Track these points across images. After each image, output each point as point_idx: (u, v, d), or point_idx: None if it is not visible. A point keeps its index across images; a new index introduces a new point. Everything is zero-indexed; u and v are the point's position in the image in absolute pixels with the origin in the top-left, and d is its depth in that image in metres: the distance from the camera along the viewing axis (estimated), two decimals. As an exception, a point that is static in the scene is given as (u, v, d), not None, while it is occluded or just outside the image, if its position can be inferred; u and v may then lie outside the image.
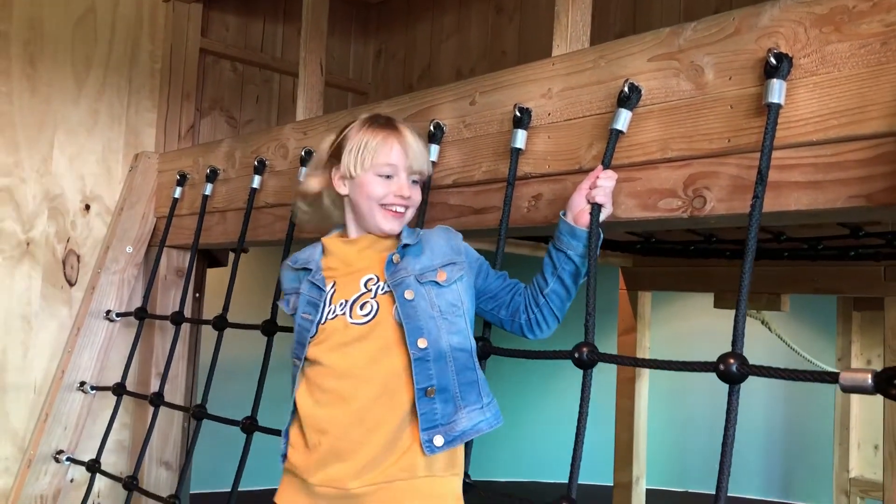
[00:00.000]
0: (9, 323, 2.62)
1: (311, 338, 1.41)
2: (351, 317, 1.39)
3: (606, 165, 1.41)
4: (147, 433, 2.43)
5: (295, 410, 1.42)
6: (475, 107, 1.71)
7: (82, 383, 2.66)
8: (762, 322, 4.06)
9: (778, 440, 6.26)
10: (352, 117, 2.06)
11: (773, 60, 1.20)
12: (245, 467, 1.99)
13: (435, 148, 1.75)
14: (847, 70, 1.16)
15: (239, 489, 1.98)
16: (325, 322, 1.40)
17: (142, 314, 2.65)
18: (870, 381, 0.97)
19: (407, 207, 1.46)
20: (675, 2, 2.72)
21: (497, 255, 1.55)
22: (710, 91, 1.32)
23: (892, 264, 3.07)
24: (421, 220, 1.72)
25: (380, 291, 1.40)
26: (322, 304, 1.41)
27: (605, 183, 1.37)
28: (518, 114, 1.58)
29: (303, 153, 2.15)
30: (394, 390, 1.35)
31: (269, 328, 2.04)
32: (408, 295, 1.37)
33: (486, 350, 1.49)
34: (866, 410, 4.30)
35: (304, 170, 2.05)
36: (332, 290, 1.42)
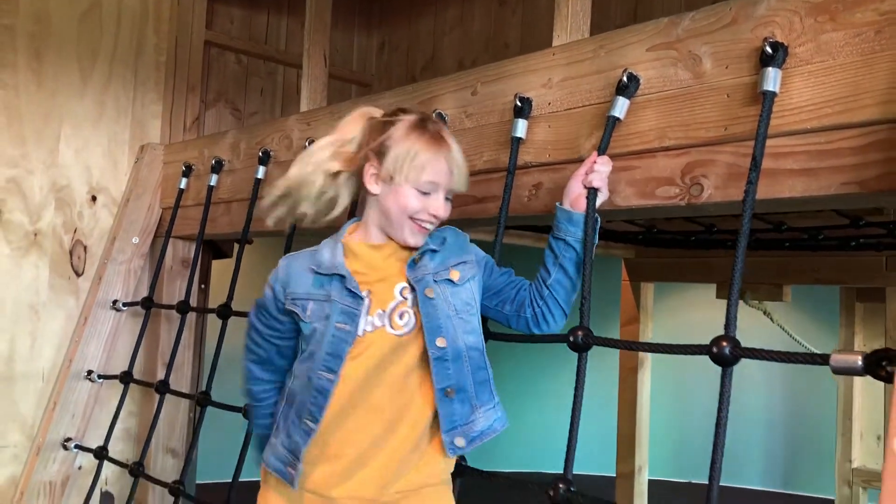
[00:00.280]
0: (17, 313, 2.66)
1: (348, 349, 1.34)
2: (392, 327, 1.35)
3: (602, 152, 1.43)
4: (153, 420, 2.47)
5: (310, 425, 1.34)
6: (477, 97, 1.73)
7: (89, 372, 2.69)
8: (764, 312, 4.07)
9: (780, 430, 6.29)
10: (355, 107, 2.09)
11: (768, 49, 1.22)
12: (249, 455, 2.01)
13: (437, 138, 1.77)
14: (841, 58, 1.17)
15: (245, 479, 2.00)
16: (363, 335, 1.34)
17: (148, 304, 2.68)
18: (860, 362, 0.99)
19: (434, 224, 1.42)
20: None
21: (496, 243, 1.57)
22: (708, 80, 1.33)
23: (893, 254, 3.08)
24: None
25: (414, 301, 1.37)
26: (360, 314, 1.34)
27: (601, 168, 1.40)
28: (519, 103, 1.60)
29: (306, 143, 2.17)
30: (417, 394, 1.35)
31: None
32: (428, 293, 1.35)
33: (484, 335, 1.51)
34: (869, 400, 4.31)
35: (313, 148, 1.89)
36: (369, 298, 1.36)
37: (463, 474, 1.47)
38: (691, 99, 1.35)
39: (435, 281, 1.37)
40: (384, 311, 1.35)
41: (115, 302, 2.75)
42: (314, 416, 1.33)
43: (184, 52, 3.01)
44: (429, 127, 1.40)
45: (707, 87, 1.33)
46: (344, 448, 1.33)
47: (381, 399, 1.33)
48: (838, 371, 1.02)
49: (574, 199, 1.41)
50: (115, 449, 2.71)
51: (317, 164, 1.43)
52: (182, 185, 2.73)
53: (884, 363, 0.94)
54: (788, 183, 1.23)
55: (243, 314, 2.25)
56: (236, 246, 2.52)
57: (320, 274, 1.39)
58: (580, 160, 1.51)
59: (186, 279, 2.66)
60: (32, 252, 2.69)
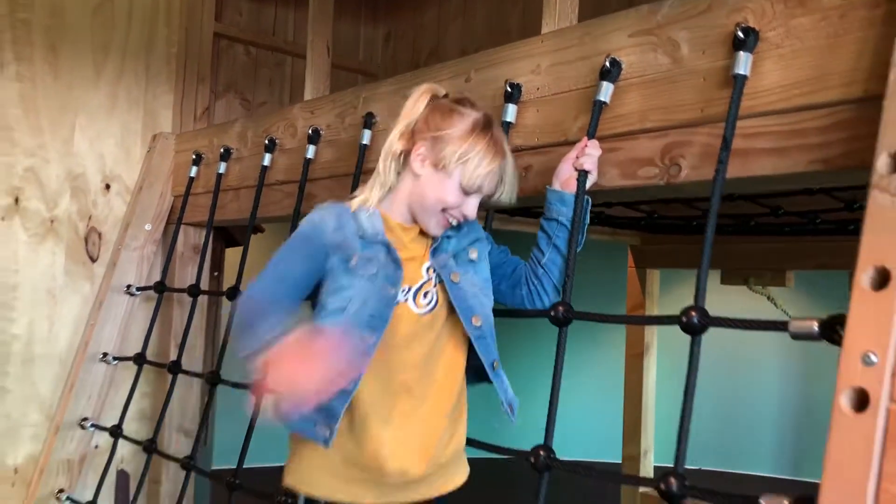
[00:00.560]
0: (35, 297, 2.75)
1: (391, 313, 1.35)
2: (415, 305, 1.38)
3: (591, 136, 1.49)
4: (165, 399, 2.56)
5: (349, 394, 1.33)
6: (470, 83, 1.79)
7: (105, 354, 2.79)
8: (768, 298, 4.11)
9: (791, 417, 6.31)
10: (356, 96, 2.16)
11: (740, 34, 1.27)
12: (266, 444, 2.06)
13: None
14: (809, 42, 1.23)
15: (261, 465, 2.07)
16: (397, 304, 1.37)
17: (161, 288, 2.77)
18: (816, 327, 1.05)
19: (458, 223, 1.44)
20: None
21: (487, 225, 1.64)
22: (685, 64, 1.39)
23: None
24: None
25: (437, 280, 1.41)
26: (398, 285, 1.36)
27: (592, 151, 1.46)
28: (509, 89, 1.66)
29: (310, 132, 2.25)
30: (449, 376, 1.41)
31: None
32: (454, 278, 1.40)
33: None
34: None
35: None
36: (403, 272, 1.37)
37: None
38: (670, 82, 1.41)
39: (457, 263, 1.42)
40: (410, 287, 1.39)
41: (128, 287, 2.85)
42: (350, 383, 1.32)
43: (194, 44, 3.09)
44: (494, 132, 1.40)
45: (685, 71, 1.39)
46: (385, 428, 1.35)
47: (413, 381, 1.37)
48: (796, 336, 1.08)
49: (565, 181, 1.47)
50: (130, 429, 2.80)
51: (387, 147, 1.43)
52: (192, 174, 2.82)
53: (837, 327, 1.00)
54: (760, 162, 1.29)
55: (251, 296, 2.35)
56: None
57: (363, 238, 1.39)
58: (567, 143, 1.58)
59: (197, 264, 2.74)
60: (49, 239, 2.79)
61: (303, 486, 1.40)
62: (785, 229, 3.23)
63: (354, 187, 2.05)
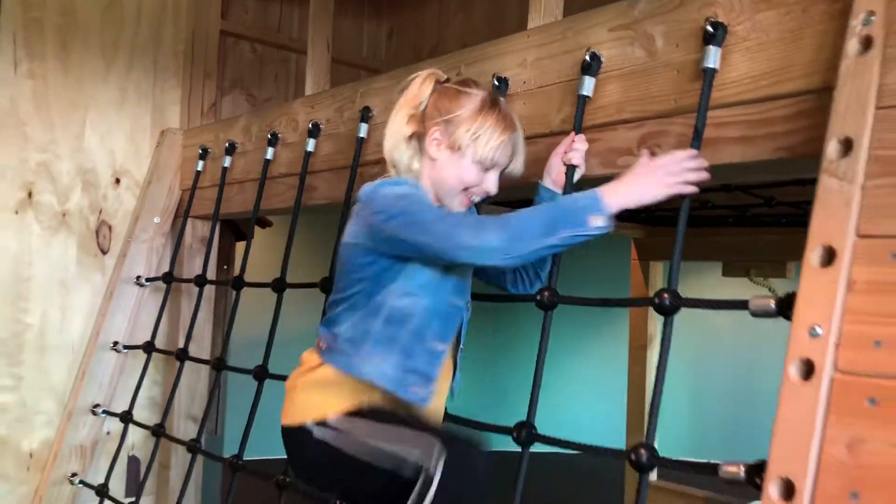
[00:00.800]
0: (48, 288, 2.85)
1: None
2: None
3: (577, 130, 1.56)
4: (173, 385, 2.65)
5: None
6: (460, 78, 1.85)
7: (115, 343, 2.88)
8: (769, 290, 4.15)
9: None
10: (353, 91, 2.23)
11: (709, 28, 1.34)
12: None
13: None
14: (774, 35, 1.29)
15: (271, 457, 2.12)
16: None
17: (169, 279, 2.85)
18: (772, 305, 1.12)
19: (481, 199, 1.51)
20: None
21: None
22: (660, 57, 1.46)
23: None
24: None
25: None
26: None
27: (580, 146, 1.53)
28: (496, 83, 1.73)
29: (310, 126, 2.32)
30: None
31: (280, 285, 2.23)
32: None
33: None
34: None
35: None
36: None
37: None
38: (646, 75, 1.47)
39: None
40: None
41: (138, 278, 2.93)
42: (444, 338, 1.45)
43: (201, 42, 3.17)
44: (502, 107, 1.47)
45: (660, 63, 1.45)
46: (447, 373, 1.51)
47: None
48: (756, 314, 1.14)
49: (556, 177, 1.55)
50: (141, 415, 2.89)
51: (396, 133, 1.48)
52: (199, 168, 2.90)
53: (791, 304, 1.06)
54: (729, 150, 1.35)
55: (255, 285, 2.43)
56: (258, 229, 2.68)
57: None
58: (552, 134, 1.64)
59: (204, 255, 2.82)
60: (61, 231, 2.88)
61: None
62: (782, 220, 3.28)
63: (352, 179, 2.12)
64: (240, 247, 3.55)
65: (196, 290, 2.72)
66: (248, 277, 2.46)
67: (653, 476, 4.36)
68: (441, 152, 1.45)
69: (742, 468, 1.10)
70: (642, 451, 1.25)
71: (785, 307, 1.10)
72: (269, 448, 2.51)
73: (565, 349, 6.67)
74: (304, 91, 2.57)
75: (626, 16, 1.52)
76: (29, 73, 2.81)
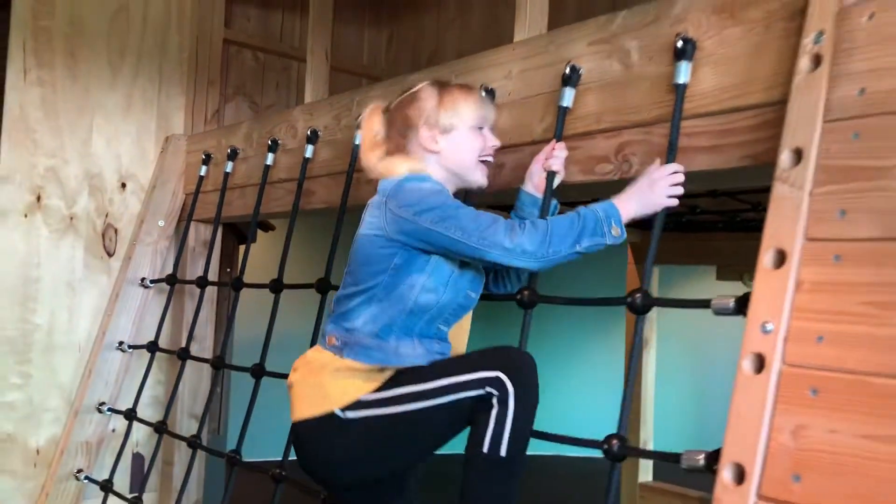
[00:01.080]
0: (56, 289, 2.94)
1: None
2: None
3: (558, 138, 1.64)
4: (175, 382, 2.74)
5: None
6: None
7: (120, 343, 2.96)
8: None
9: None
10: (350, 99, 2.32)
11: (680, 44, 1.42)
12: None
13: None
14: (739, 50, 1.37)
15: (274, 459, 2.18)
16: None
17: (172, 280, 2.94)
18: (732, 304, 1.20)
19: (492, 158, 1.61)
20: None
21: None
22: (636, 70, 1.54)
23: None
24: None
25: None
26: None
27: (560, 153, 1.62)
28: (484, 93, 1.81)
29: (309, 133, 2.41)
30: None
31: (277, 286, 2.32)
32: None
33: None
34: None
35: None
36: None
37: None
38: (622, 87, 1.55)
39: None
40: None
41: (143, 279, 3.02)
42: (448, 321, 1.54)
43: (204, 50, 3.26)
44: (450, 81, 1.61)
45: (635, 76, 1.54)
46: None
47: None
48: (717, 312, 1.22)
49: (538, 182, 1.63)
50: (144, 414, 2.97)
51: (367, 163, 1.61)
52: (202, 173, 2.99)
53: (747, 303, 1.14)
54: (699, 158, 1.43)
55: (254, 286, 2.51)
56: (261, 232, 2.77)
57: None
58: (534, 142, 1.73)
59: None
60: (69, 234, 2.97)
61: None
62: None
63: (348, 184, 2.21)
64: (243, 249, 3.63)
65: (198, 291, 2.81)
66: (250, 279, 2.55)
67: (648, 476, 4.44)
68: (441, 142, 1.54)
69: (702, 456, 1.17)
70: (615, 441, 1.33)
71: (742, 306, 1.17)
72: (272, 450, 2.59)
73: (568, 350, 6.76)
74: (304, 98, 2.65)
75: (605, 30, 1.60)
76: (38, 80, 2.90)
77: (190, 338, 2.75)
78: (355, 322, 1.49)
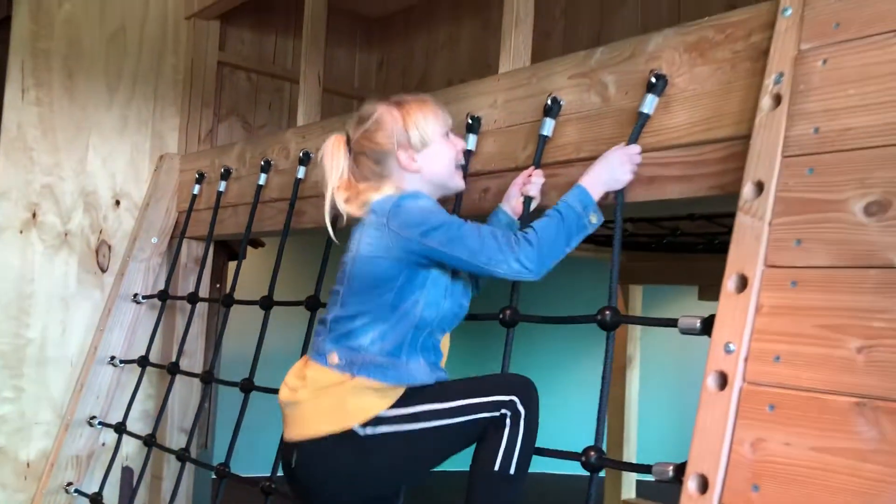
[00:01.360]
0: (49, 304, 2.99)
1: None
2: None
3: (537, 165, 1.73)
4: (165, 396, 2.79)
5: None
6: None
7: (112, 357, 3.01)
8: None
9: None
10: (341, 123, 2.40)
11: (652, 79, 1.51)
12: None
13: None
14: (708, 87, 1.46)
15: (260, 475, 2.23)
16: None
17: (164, 296, 3.00)
18: (698, 324, 1.28)
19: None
20: (634, 19, 3.03)
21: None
22: (613, 103, 1.63)
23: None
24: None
25: None
26: None
27: (537, 180, 1.70)
28: (470, 121, 1.90)
29: (301, 154, 2.48)
30: None
31: (267, 303, 2.39)
32: None
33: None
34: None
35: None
36: None
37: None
38: (600, 118, 1.64)
39: None
40: None
41: (135, 295, 3.08)
42: (444, 330, 1.59)
43: (199, 71, 3.34)
44: (404, 96, 1.64)
45: (612, 108, 1.63)
46: None
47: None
48: (684, 331, 1.31)
49: (515, 205, 1.72)
50: (134, 428, 3.02)
51: (340, 201, 1.59)
52: (196, 191, 3.06)
53: (712, 324, 1.22)
54: (670, 187, 1.52)
55: (244, 302, 2.58)
56: (251, 249, 2.83)
57: None
58: (517, 168, 1.81)
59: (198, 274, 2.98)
60: (63, 250, 3.03)
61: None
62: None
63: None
64: (232, 266, 3.70)
65: (189, 307, 2.87)
66: (240, 296, 2.61)
67: (631, 493, 4.52)
68: (417, 160, 1.58)
69: (671, 468, 1.25)
70: (592, 453, 1.41)
71: (707, 327, 1.26)
72: (256, 466, 2.65)
73: (555, 368, 6.84)
74: (296, 119, 2.73)
75: (584, 65, 1.69)
76: (36, 100, 2.97)
77: (180, 353, 2.81)
78: (361, 341, 1.49)
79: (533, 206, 1.71)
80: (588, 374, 7.00)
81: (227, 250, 3.76)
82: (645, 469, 1.31)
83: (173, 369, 2.78)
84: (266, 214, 2.67)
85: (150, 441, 2.74)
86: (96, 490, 2.90)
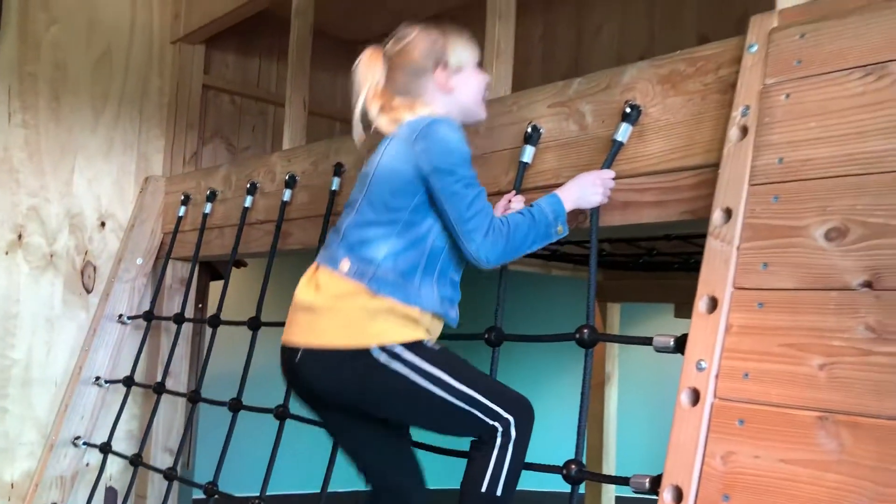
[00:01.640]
0: (35, 324, 3.01)
1: None
2: None
3: (517, 191, 1.80)
4: (150, 416, 2.81)
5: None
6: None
7: (97, 378, 3.03)
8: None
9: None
10: (328, 147, 2.46)
11: (627, 109, 1.59)
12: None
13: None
14: (680, 117, 1.54)
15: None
16: None
17: (149, 317, 3.03)
18: (671, 343, 1.35)
19: None
20: (610, 45, 3.13)
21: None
22: (590, 131, 1.70)
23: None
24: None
25: None
26: None
27: (517, 205, 1.77)
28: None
29: (287, 177, 2.54)
30: None
31: (255, 324, 2.43)
32: None
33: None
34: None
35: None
36: None
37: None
38: (578, 146, 1.72)
39: None
40: None
41: (120, 316, 3.11)
42: (460, 269, 1.57)
43: (184, 94, 3.39)
44: (440, 26, 1.63)
45: (589, 136, 1.70)
46: None
47: None
48: (659, 349, 1.37)
49: None
50: (119, 448, 3.03)
51: (372, 112, 1.60)
52: (181, 213, 3.10)
53: (685, 343, 1.29)
54: (646, 211, 1.59)
55: (232, 323, 2.62)
56: (233, 269, 2.88)
57: None
58: (500, 193, 1.87)
59: (183, 295, 3.01)
60: (49, 271, 3.05)
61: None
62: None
63: (325, 228, 2.34)
64: (213, 286, 3.73)
65: (174, 327, 2.90)
66: (222, 316, 2.65)
67: (618, 509, 4.57)
68: (453, 81, 1.60)
69: (647, 480, 1.31)
70: (573, 466, 1.47)
71: (680, 345, 1.33)
72: (241, 486, 2.68)
73: (538, 385, 6.89)
74: (280, 141, 2.79)
75: (562, 94, 1.77)
76: (22, 123, 3.01)
77: (165, 373, 2.84)
78: (375, 253, 1.48)
79: None
80: (567, 390, 7.07)
81: (210, 270, 3.79)
82: (623, 481, 1.37)
83: (159, 389, 2.80)
84: (252, 236, 2.72)
85: (136, 461, 2.76)
86: (81, 511, 2.91)
